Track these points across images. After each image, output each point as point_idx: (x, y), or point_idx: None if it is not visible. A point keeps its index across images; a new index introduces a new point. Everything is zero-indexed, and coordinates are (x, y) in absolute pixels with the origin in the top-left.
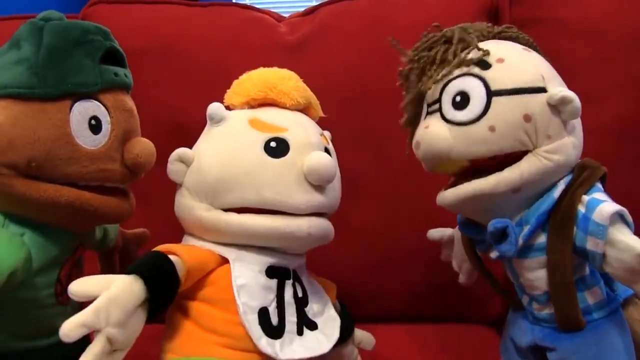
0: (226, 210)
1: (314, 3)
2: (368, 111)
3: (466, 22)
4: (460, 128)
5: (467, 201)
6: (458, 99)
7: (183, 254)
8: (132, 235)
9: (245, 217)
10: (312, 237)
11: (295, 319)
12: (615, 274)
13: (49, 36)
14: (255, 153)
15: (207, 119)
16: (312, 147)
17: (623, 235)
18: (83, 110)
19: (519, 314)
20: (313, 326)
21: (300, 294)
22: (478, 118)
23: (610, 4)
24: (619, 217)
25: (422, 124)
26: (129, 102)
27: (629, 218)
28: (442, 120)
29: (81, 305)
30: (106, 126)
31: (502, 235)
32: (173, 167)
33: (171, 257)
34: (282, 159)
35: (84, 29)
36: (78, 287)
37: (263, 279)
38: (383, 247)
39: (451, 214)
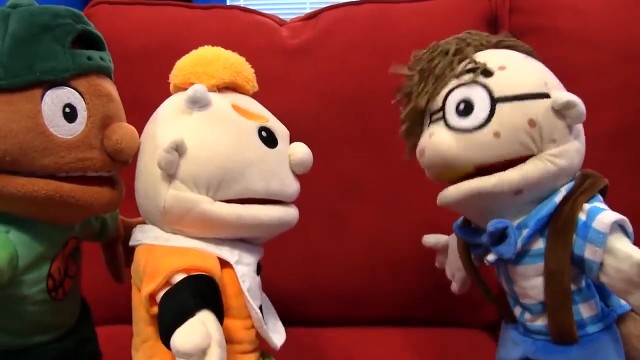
0: (227, 202)
1: (319, 6)
2: (368, 115)
3: (466, 29)
4: (465, 135)
5: (468, 199)
6: (462, 107)
7: (215, 273)
8: (136, 225)
9: (254, 209)
10: None
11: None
12: (612, 284)
13: (14, 23)
14: (256, 142)
15: (188, 102)
16: (288, 137)
17: (622, 244)
18: (55, 98)
19: (510, 326)
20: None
21: None
22: (483, 124)
23: (609, 13)
24: (618, 226)
25: (426, 132)
26: (107, 87)
27: (630, 228)
28: (446, 128)
29: (76, 298)
30: (82, 113)
31: (500, 237)
32: (170, 156)
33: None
34: (276, 149)
35: (53, 13)
36: (186, 345)
37: (257, 278)
38: (379, 249)
39: (449, 218)
